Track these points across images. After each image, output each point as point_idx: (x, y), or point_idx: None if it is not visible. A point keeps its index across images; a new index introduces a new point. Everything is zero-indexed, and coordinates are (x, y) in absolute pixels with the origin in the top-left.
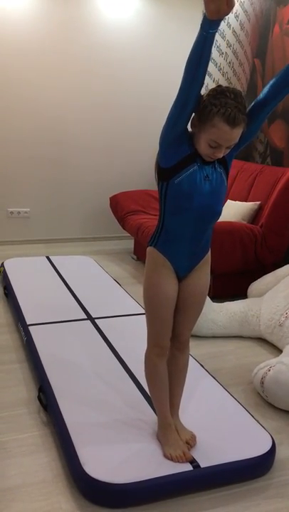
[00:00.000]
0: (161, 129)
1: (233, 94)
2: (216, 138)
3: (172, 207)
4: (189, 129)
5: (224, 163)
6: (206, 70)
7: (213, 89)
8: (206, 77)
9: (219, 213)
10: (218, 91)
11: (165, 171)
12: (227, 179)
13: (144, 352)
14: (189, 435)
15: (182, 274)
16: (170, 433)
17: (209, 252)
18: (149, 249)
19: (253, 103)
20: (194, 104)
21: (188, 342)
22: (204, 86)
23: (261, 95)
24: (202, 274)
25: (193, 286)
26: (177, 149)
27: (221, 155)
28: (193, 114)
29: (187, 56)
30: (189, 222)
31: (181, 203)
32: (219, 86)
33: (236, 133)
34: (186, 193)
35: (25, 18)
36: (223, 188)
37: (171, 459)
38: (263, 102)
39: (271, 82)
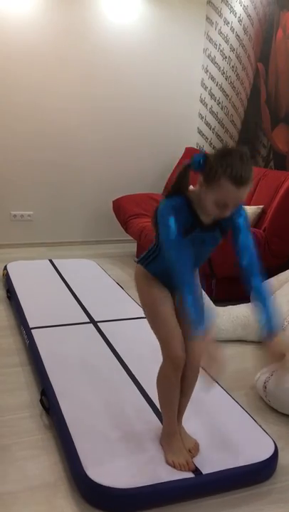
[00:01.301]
0: (163, 131)
1: (239, 154)
2: (223, 198)
3: None
4: (191, 186)
5: (224, 231)
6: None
7: (219, 150)
8: (209, 81)
9: (210, 254)
10: (224, 152)
11: None
12: (224, 237)
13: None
14: (192, 443)
15: (173, 290)
16: (175, 441)
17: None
18: (139, 267)
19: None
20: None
21: (199, 366)
22: (208, 89)
23: (237, 254)
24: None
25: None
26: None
27: (228, 214)
28: (200, 176)
29: (190, 61)
30: None
31: None
32: (226, 147)
33: (243, 192)
34: None
35: (28, 23)
36: (216, 244)
37: (174, 467)
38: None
39: (244, 267)
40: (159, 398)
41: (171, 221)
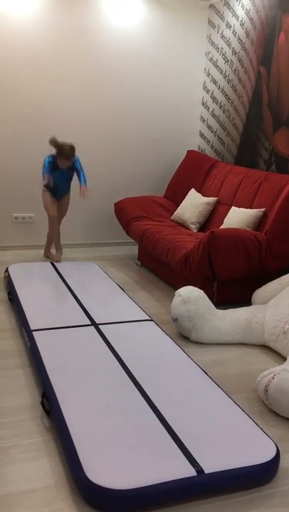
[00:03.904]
0: (165, 133)
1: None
2: (61, 163)
3: None
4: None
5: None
6: None
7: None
8: (212, 84)
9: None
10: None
11: None
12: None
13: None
14: (58, 255)
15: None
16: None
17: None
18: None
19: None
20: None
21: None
22: (210, 92)
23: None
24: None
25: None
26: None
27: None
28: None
29: (192, 64)
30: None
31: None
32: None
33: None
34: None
35: (31, 25)
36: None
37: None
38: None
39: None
40: (47, 236)
41: (46, 161)
